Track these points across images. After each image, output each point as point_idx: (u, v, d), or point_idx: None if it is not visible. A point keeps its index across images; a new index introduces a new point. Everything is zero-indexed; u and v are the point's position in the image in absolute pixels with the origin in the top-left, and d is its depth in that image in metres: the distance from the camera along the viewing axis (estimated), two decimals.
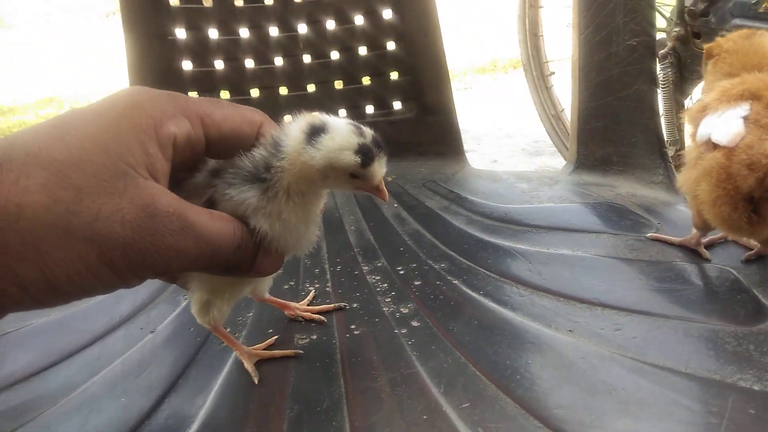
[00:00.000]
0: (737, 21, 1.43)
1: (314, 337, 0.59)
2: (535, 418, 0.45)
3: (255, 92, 0.91)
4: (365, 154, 0.43)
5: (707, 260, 0.59)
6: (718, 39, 0.65)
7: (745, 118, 0.52)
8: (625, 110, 0.76)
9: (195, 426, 0.48)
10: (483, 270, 0.67)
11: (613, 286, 0.58)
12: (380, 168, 0.44)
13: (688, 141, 0.60)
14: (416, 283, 0.67)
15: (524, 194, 0.78)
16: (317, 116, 0.45)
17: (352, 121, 0.45)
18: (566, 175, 0.82)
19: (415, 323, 0.59)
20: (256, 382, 0.52)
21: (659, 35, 1.63)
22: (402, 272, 0.69)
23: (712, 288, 0.55)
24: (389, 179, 0.89)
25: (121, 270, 0.36)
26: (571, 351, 0.51)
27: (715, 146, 0.53)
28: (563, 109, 2.06)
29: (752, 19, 1.40)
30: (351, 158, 0.42)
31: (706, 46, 0.66)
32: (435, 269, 0.69)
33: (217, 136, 0.42)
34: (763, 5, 1.39)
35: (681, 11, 1.55)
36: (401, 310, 0.62)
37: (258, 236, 0.44)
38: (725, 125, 0.52)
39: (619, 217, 0.69)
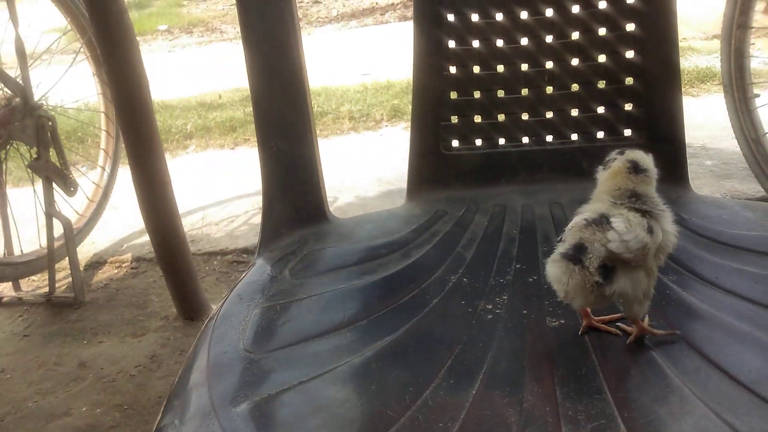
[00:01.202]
0: None
1: (563, 321, 0.76)
2: None
3: (501, 117, 1.11)
4: None
5: None
6: None
7: None
8: None
9: (482, 375, 0.67)
10: (710, 285, 0.78)
11: None
12: None
13: None
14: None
15: (750, 222, 0.87)
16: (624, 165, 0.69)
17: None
18: None
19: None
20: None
21: None
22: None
23: None
24: None
25: None
26: None
27: None
28: (765, 133, 1.98)
29: None
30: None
31: None
32: (663, 280, 0.82)
33: None
34: None
35: None
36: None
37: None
38: None
39: None
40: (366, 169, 2.96)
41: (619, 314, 0.73)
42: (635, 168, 0.68)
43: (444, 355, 0.71)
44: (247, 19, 0.97)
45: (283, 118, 0.97)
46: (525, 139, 1.10)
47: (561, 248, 0.66)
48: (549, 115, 1.08)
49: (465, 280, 0.89)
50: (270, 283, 0.86)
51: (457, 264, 0.93)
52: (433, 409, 0.62)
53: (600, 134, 1.07)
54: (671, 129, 0.99)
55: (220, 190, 2.91)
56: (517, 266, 0.91)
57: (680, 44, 1.03)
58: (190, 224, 2.60)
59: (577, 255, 0.64)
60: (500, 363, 0.71)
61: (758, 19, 2.06)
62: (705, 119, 2.94)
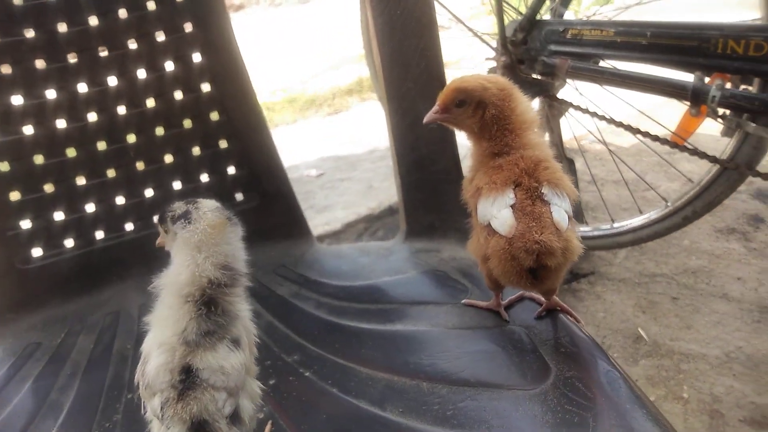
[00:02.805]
0: (552, 47, 1.62)
1: None
2: None
3: (90, 207, 0.92)
4: None
5: (507, 321, 0.70)
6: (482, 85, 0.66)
7: (513, 207, 0.62)
8: (439, 182, 0.86)
9: None
10: (331, 357, 0.73)
11: (437, 359, 0.67)
12: None
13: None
14: (271, 382, 0.71)
15: (364, 269, 0.86)
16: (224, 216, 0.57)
17: None
18: (400, 244, 0.91)
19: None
20: None
21: (490, 64, 1.79)
22: (258, 373, 0.74)
23: (510, 350, 0.65)
24: None
25: None
26: None
27: (495, 231, 0.62)
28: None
29: (562, 45, 1.60)
30: None
31: (458, 86, 0.67)
32: (288, 363, 0.74)
33: None
34: (570, 32, 1.58)
35: (504, 42, 1.71)
36: (257, 415, 0.67)
37: None
38: (499, 214, 0.62)
39: (441, 285, 0.79)
40: None
41: None
42: (230, 218, 0.58)
43: None
44: None
45: None
46: (129, 226, 0.93)
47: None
48: (149, 193, 0.93)
49: None
50: None
51: (51, 419, 0.72)
52: None
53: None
54: (277, 186, 0.94)
55: None
56: (129, 396, 0.74)
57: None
58: None
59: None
60: None
61: None
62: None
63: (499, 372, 0.63)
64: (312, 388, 0.69)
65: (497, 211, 0.62)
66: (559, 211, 0.60)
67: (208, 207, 0.57)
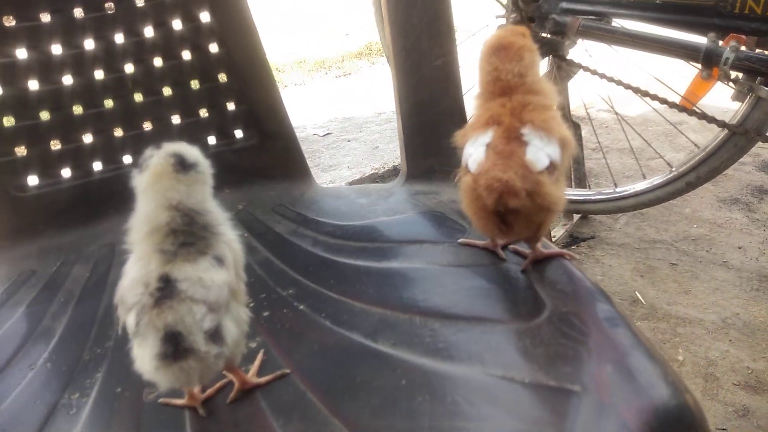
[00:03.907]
0: (564, 5, 1.58)
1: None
2: None
3: (87, 137, 0.91)
4: None
5: (503, 260, 0.69)
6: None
7: (488, 145, 0.60)
8: (440, 124, 0.85)
9: None
10: (326, 291, 0.73)
11: (431, 294, 0.66)
12: None
13: None
14: (265, 314, 0.71)
15: (363, 209, 0.85)
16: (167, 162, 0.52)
17: None
18: (400, 186, 0.90)
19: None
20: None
21: (500, 21, 1.74)
22: (252, 305, 0.73)
23: (506, 286, 0.65)
24: (240, 207, 0.92)
25: None
26: (390, 364, 0.58)
27: (469, 170, 0.61)
28: None
29: (574, 3, 1.56)
30: None
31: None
32: (283, 296, 0.74)
33: None
34: None
35: None
36: (249, 345, 0.67)
37: None
38: (475, 152, 0.61)
39: (438, 224, 0.78)
40: None
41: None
42: (182, 163, 0.52)
43: None
44: None
45: None
46: (127, 159, 0.92)
47: (148, 347, 0.49)
48: (147, 126, 0.91)
49: (50, 365, 0.69)
50: None
51: (42, 343, 0.72)
52: None
53: (211, 140, 0.95)
54: (277, 124, 0.92)
55: None
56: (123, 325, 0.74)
57: None
58: None
59: (177, 347, 0.48)
60: None
61: None
62: None
63: (493, 307, 0.62)
64: (305, 320, 0.69)
65: (474, 150, 0.61)
66: (536, 153, 0.58)
67: (161, 154, 0.52)
